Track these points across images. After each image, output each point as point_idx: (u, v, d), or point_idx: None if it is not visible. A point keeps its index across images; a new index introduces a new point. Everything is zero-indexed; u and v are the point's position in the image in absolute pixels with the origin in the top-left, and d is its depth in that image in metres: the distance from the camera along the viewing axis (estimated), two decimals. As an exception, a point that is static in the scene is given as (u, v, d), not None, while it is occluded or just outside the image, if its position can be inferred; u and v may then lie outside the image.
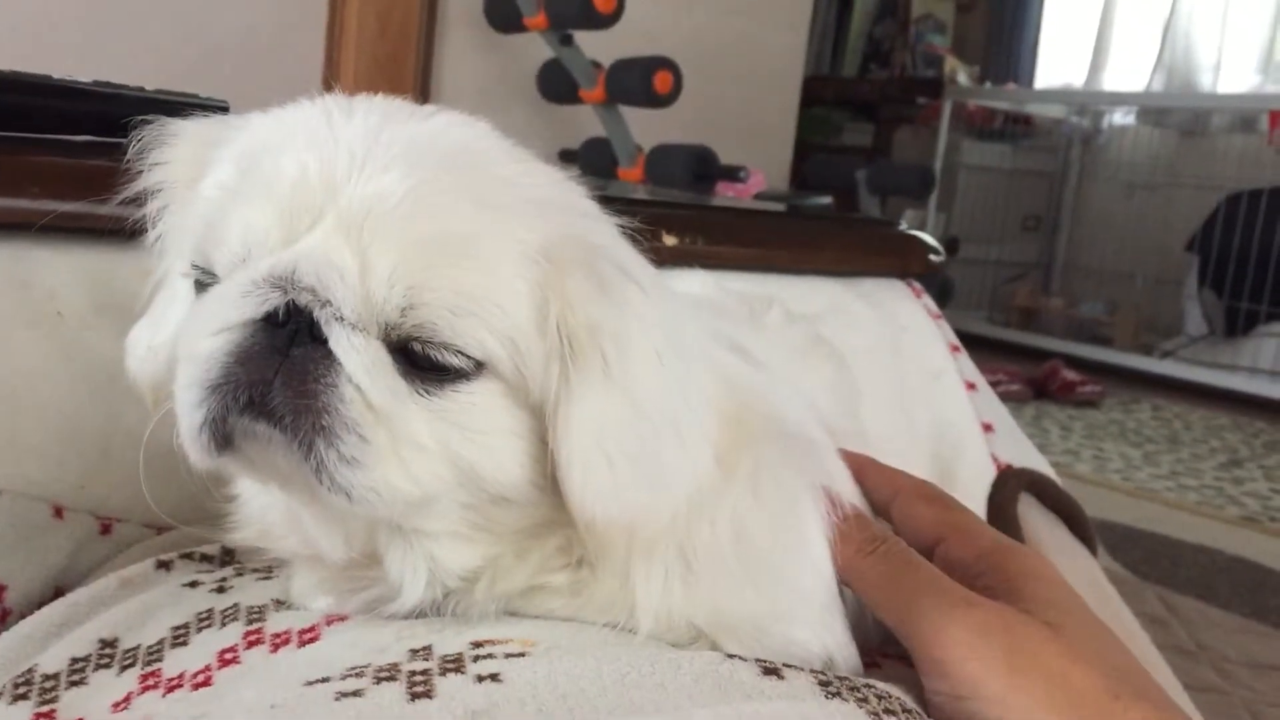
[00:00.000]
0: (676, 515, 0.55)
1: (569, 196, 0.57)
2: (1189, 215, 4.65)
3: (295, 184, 0.51)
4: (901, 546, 0.60)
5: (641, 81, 2.60)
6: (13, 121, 0.91)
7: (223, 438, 0.50)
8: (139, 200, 0.61)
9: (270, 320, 0.49)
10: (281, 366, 0.49)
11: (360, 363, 0.49)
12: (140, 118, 0.60)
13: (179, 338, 0.54)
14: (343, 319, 0.49)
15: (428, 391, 0.51)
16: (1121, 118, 5.26)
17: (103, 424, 0.81)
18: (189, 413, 0.50)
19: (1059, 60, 5.73)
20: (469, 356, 0.51)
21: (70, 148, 0.92)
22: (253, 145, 0.54)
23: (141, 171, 0.60)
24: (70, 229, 0.83)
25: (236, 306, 0.49)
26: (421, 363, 0.51)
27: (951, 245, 4.63)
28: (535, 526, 0.56)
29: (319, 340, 0.49)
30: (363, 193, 0.50)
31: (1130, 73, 5.43)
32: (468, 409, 0.51)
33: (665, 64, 2.59)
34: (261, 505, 0.61)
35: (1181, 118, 5.07)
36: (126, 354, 0.63)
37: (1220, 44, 5.23)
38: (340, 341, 0.49)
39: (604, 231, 0.56)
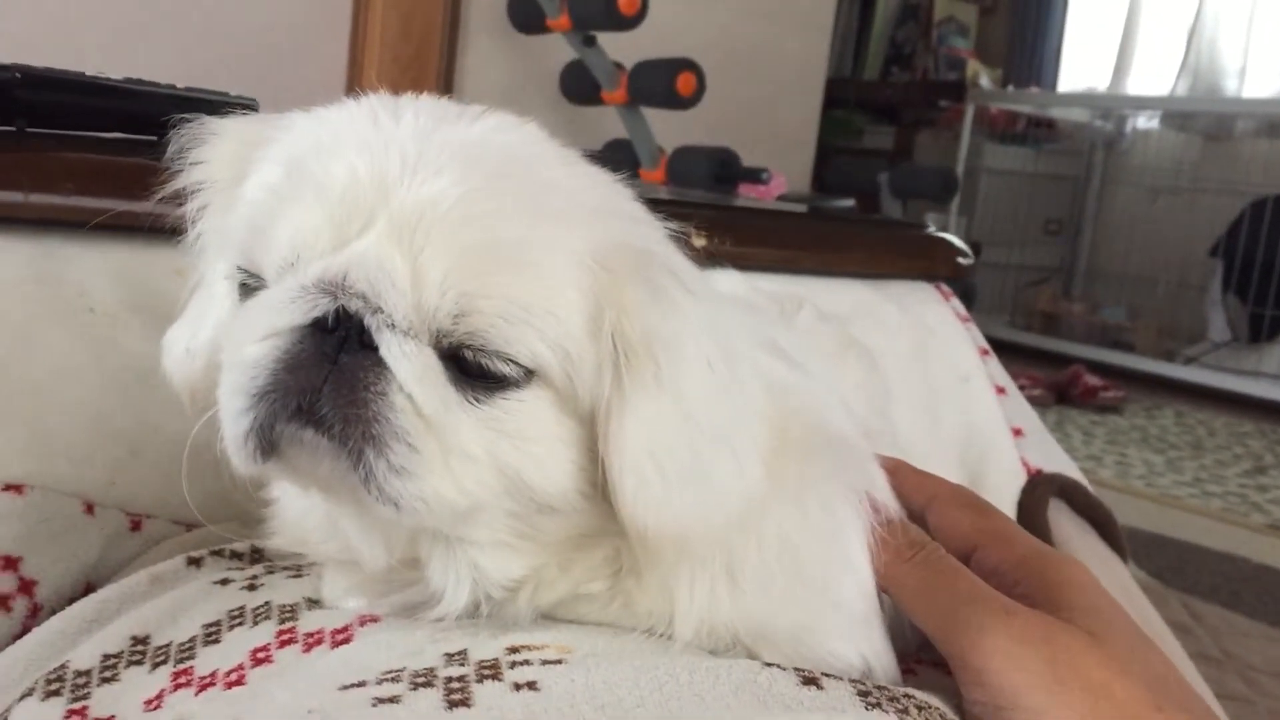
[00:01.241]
0: (727, 526, 0.54)
1: (619, 200, 0.57)
2: (1213, 220, 4.61)
3: (346, 187, 0.50)
4: (940, 553, 0.59)
5: (664, 83, 2.60)
6: (45, 118, 0.92)
7: (268, 445, 0.50)
8: (174, 198, 0.60)
9: (319, 326, 0.48)
10: (330, 374, 0.48)
11: (411, 371, 0.48)
12: (178, 115, 0.59)
13: (224, 343, 0.53)
14: (394, 326, 0.48)
15: (477, 400, 0.50)
16: (1145, 122, 5.22)
17: (132, 421, 0.81)
18: (234, 419, 0.50)
19: (1082, 63, 5.68)
20: (520, 365, 0.50)
21: (103, 145, 0.92)
22: (299, 146, 0.53)
23: (180, 170, 0.59)
24: (102, 226, 0.83)
25: (285, 312, 0.49)
26: (472, 370, 0.50)
27: (973, 249, 4.60)
28: (580, 537, 0.56)
29: (369, 347, 0.48)
30: (415, 197, 0.49)
31: (1155, 76, 5.38)
32: (517, 417, 0.51)
33: (688, 65, 2.59)
34: (299, 510, 0.60)
35: (1206, 122, 5.03)
36: (163, 354, 0.63)
37: (1246, 48, 5.17)
38: (391, 349, 0.48)
39: (655, 237, 0.56)
